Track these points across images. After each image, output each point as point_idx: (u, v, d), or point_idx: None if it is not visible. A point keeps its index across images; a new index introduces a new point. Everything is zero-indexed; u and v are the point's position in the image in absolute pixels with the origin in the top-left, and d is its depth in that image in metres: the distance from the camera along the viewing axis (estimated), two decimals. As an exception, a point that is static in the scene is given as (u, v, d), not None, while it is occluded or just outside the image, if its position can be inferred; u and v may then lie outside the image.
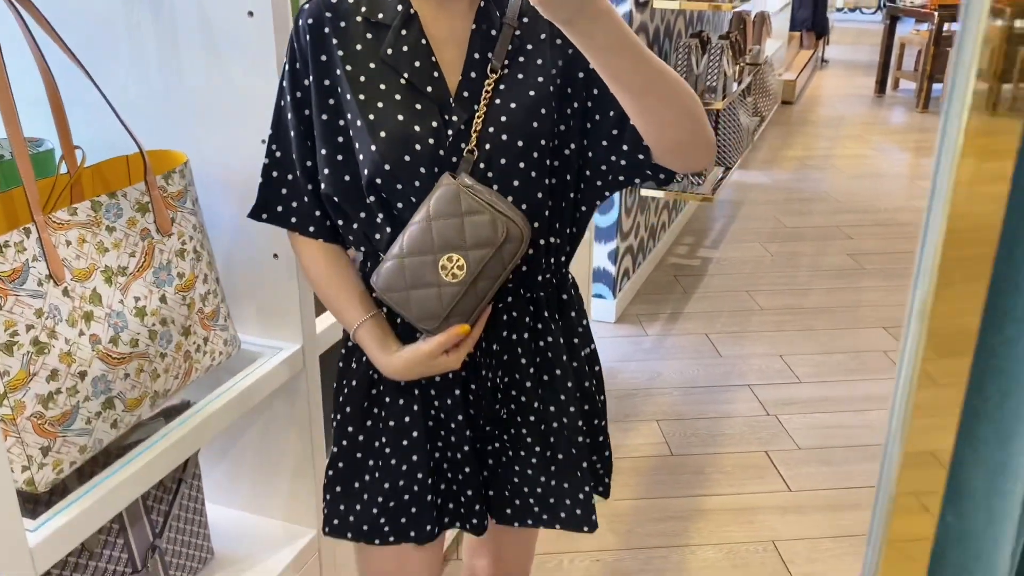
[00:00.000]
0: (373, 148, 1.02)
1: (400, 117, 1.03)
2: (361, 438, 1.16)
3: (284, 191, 1.12)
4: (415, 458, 1.14)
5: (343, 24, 1.04)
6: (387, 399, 1.14)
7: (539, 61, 1.05)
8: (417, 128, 1.02)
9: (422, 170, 1.03)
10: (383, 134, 1.02)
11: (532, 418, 1.16)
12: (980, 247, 0.50)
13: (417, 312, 1.04)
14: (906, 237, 4.22)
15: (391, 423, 1.14)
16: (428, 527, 1.17)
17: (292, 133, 1.08)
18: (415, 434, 1.14)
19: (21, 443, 0.95)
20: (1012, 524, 0.59)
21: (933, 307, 0.49)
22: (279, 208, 1.13)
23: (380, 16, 1.04)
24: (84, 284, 1.01)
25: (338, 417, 1.18)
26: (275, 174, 1.12)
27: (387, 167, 1.02)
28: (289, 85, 1.07)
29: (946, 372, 0.53)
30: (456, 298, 1.02)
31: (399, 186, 1.04)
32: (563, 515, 1.21)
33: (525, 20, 1.06)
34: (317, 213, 1.11)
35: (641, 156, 1.04)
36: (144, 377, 1.09)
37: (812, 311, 3.46)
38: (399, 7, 1.04)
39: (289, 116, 1.08)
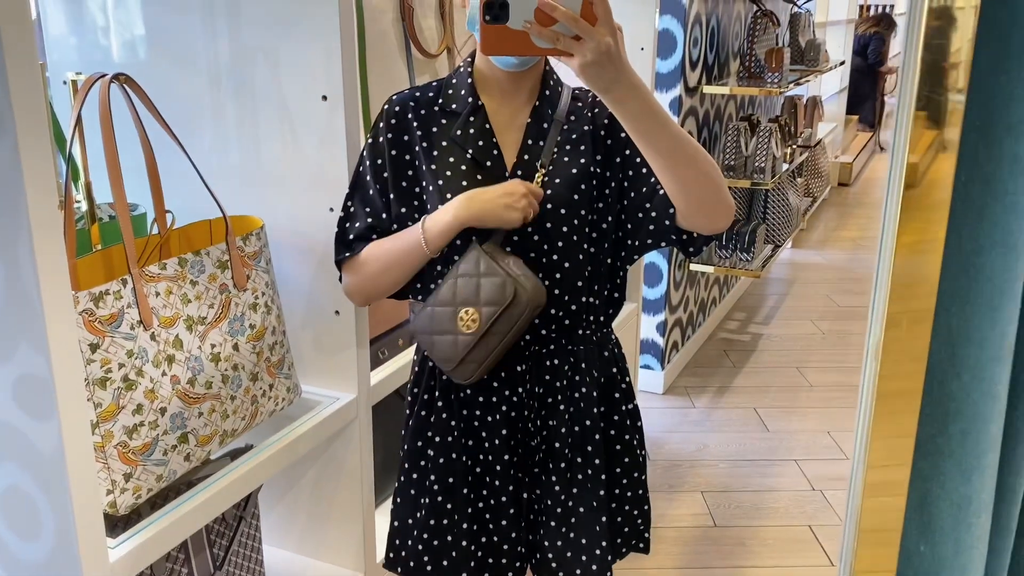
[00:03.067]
0: (440, 207, 1.21)
1: (464, 183, 1.22)
2: (415, 476, 1.29)
3: (352, 236, 1.30)
4: (458, 498, 1.26)
5: (423, 112, 1.26)
6: (436, 438, 1.27)
7: (582, 147, 1.24)
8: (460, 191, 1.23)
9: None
10: (449, 195, 1.21)
11: (562, 465, 1.25)
12: (923, 300, 0.58)
13: (438, 354, 1.23)
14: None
15: (440, 460, 1.28)
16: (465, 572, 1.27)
17: (370, 191, 1.28)
18: (458, 475, 1.26)
19: (108, 468, 1.07)
20: (979, 554, 0.65)
21: (884, 349, 0.58)
22: (351, 242, 1.30)
23: (454, 106, 1.26)
24: (169, 330, 1.15)
25: (400, 454, 1.35)
26: (347, 224, 1.31)
27: None
28: (370, 154, 1.28)
29: (899, 405, 0.61)
30: (469, 346, 1.19)
31: (457, 241, 1.22)
32: (578, 571, 1.29)
33: (572, 118, 1.26)
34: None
35: (667, 222, 1.21)
36: (215, 416, 1.22)
37: (862, 389, 3.46)
38: (469, 99, 1.25)
39: (368, 178, 1.28)
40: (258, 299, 1.30)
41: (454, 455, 1.27)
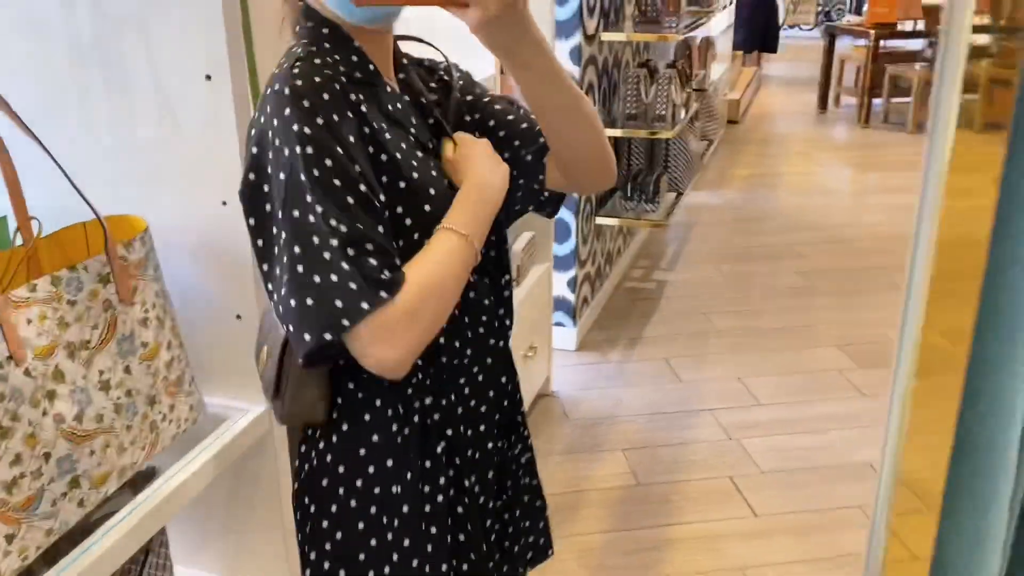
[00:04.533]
0: (427, 208, 0.97)
1: (431, 172, 1.00)
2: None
3: (378, 263, 0.88)
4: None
5: (339, 84, 0.93)
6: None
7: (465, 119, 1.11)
8: (440, 182, 1.01)
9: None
10: (432, 190, 0.98)
11: (519, 452, 1.19)
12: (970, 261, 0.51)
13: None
14: (855, 253, 4.32)
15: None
16: None
17: (359, 188, 0.89)
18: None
19: (-15, 532, 0.92)
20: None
21: (924, 327, 0.50)
22: (383, 281, 0.88)
23: (357, 75, 0.96)
24: (46, 362, 0.99)
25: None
26: (363, 247, 0.88)
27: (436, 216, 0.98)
28: (326, 144, 0.88)
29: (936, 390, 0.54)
30: None
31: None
32: (531, 554, 1.23)
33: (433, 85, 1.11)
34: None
35: (536, 186, 1.11)
36: (110, 452, 1.07)
37: (768, 332, 3.52)
38: (369, 66, 0.98)
39: (346, 174, 0.89)
40: (148, 312, 1.14)
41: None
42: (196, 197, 1.24)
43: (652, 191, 3.43)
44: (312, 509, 1.07)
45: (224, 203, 1.23)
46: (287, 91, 0.88)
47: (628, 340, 3.46)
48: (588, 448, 2.73)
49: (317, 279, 0.86)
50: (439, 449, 1.04)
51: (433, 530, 1.04)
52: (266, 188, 0.91)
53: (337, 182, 0.87)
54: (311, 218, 0.87)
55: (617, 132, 3.34)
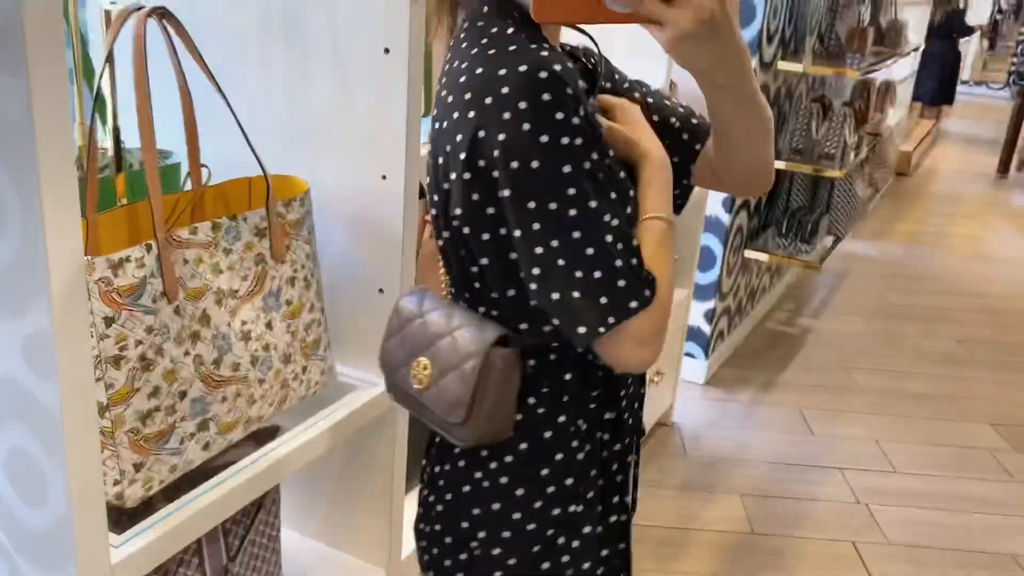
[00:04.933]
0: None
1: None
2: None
3: (635, 260, 0.86)
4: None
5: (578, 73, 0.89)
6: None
7: None
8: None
9: None
10: (624, 176, 0.93)
11: None
12: None
13: None
14: (1018, 327, 3.99)
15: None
16: None
17: (620, 179, 0.89)
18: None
19: (116, 457, 0.95)
20: None
21: None
22: (646, 274, 0.86)
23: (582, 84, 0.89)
24: (196, 304, 1.01)
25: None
26: (632, 242, 0.86)
27: None
28: (585, 137, 0.83)
29: None
30: None
31: None
32: None
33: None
34: None
35: (684, 182, 1.08)
36: (241, 402, 1.09)
37: (914, 397, 3.29)
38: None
39: (605, 168, 0.86)
40: (297, 272, 1.16)
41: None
42: (358, 168, 1.25)
43: (810, 231, 3.28)
44: (479, 534, 0.98)
45: (384, 177, 1.23)
46: (543, 74, 0.81)
47: (761, 383, 3.31)
48: (704, 487, 2.62)
49: (579, 274, 0.83)
50: (615, 467, 0.99)
51: (605, 552, 0.99)
52: (499, 175, 0.84)
53: (601, 175, 0.84)
54: (572, 212, 0.82)
55: (781, 164, 3.21)
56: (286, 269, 1.14)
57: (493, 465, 0.96)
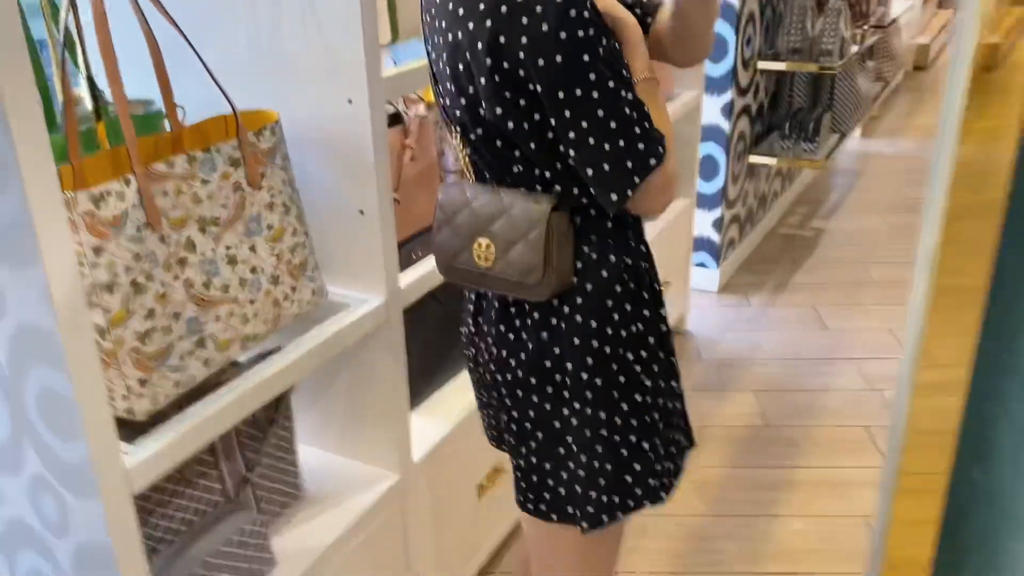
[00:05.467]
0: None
1: None
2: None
3: (648, 124, 1.01)
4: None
5: None
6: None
7: None
8: None
9: None
10: None
11: None
12: (991, 191, 0.49)
13: None
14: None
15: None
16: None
17: (625, 70, 1.00)
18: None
19: (121, 375, 1.04)
20: (1042, 483, 0.57)
21: (945, 241, 0.49)
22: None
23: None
24: (179, 232, 1.10)
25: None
26: (636, 115, 1.00)
27: None
28: (598, 29, 0.96)
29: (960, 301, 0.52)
30: None
31: None
32: None
33: None
34: None
35: None
36: (234, 320, 1.18)
37: (929, 285, 3.31)
38: None
39: (614, 57, 0.99)
40: (275, 198, 1.24)
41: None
42: (325, 95, 1.31)
43: (813, 130, 3.28)
44: (568, 367, 1.10)
45: (350, 101, 1.30)
46: None
47: (775, 285, 3.36)
48: (717, 387, 2.70)
49: (607, 147, 0.98)
50: (657, 286, 1.15)
51: (662, 355, 1.15)
52: (525, 72, 0.96)
53: (611, 57, 0.97)
54: (595, 94, 0.96)
55: (780, 65, 3.20)
56: (264, 195, 1.22)
57: (566, 309, 1.09)
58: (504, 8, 0.94)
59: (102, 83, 1.27)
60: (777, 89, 3.55)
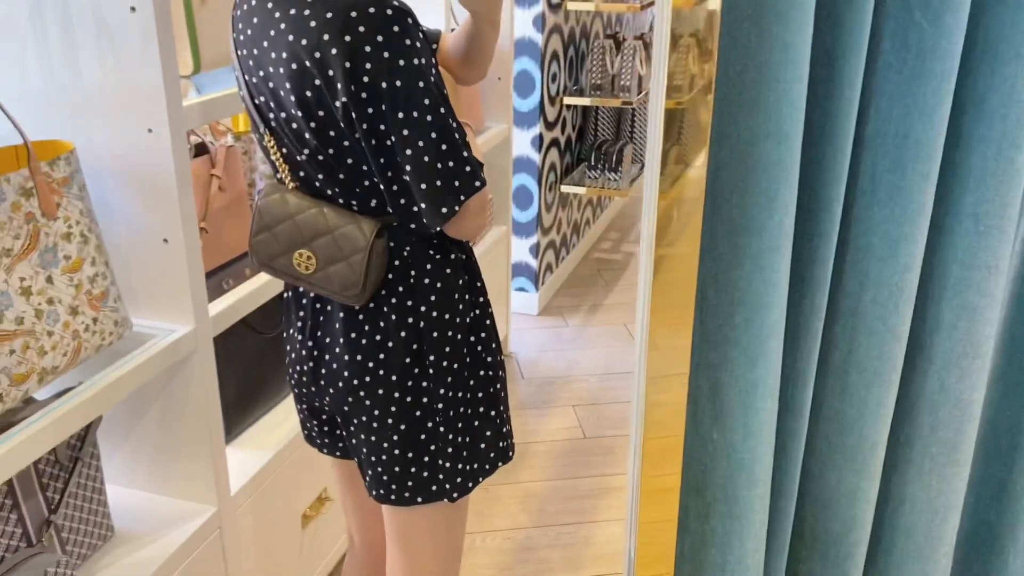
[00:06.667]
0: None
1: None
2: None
3: (467, 151, 1.10)
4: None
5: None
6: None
7: None
8: None
9: None
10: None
11: None
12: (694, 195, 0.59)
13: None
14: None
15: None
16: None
17: (444, 99, 1.08)
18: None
19: (-97, 414, 1.00)
20: (767, 436, 0.68)
21: (657, 266, 0.58)
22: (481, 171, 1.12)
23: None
24: (-34, 264, 1.06)
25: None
26: (460, 141, 1.09)
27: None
28: (427, 57, 1.05)
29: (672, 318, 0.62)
30: None
31: None
32: None
33: None
34: None
35: None
36: (31, 353, 1.14)
37: (727, 301, 3.59)
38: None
39: (438, 86, 1.07)
40: (72, 228, 1.21)
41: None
42: (124, 125, 1.31)
43: (616, 161, 3.50)
44: (430, 358, 1.19)
45: (150, 130, 1.30)
46: (389, 12, 1.02)
47: (590, 306, 3.54)
48: (539, 404, 2.81)
49: (439, 165, 1.06)
50: (479, 284, 1.26)
51: (495, 332, 1.28)
52: (369, 96, 1.03)
53: (437, 86, 1.06)
54: (429, 117, 1.05)
55: (584, 101, 3.41)
56: (59, 225, 1.20)
57: (422, 308, 1.18)
58: (349, 37, 1.01)
59: None
60: (583, 123, 3.77)
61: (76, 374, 1.29)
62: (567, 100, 3.42)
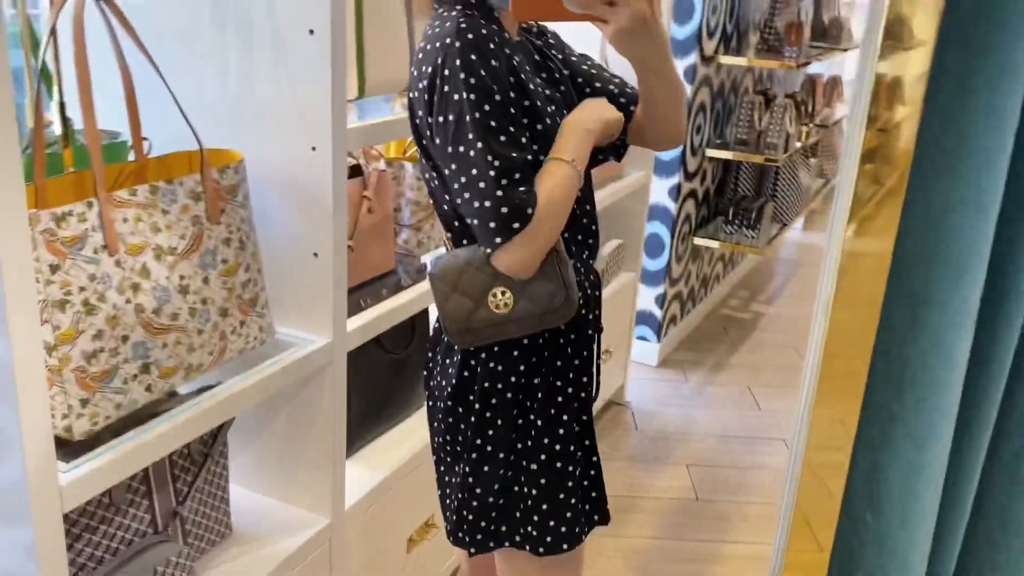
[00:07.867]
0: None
1: (557, 119, 1.20)
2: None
3: (524, 188, 1.09)
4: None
5: (495, 41, 1.12)
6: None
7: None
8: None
9: None
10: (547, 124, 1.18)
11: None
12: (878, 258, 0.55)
13: (449, 311, 1.19)
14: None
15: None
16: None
17: (510, 125, 1.09)
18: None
19: (64, 392, 1.06)
20: (926, 527, 0.63)
21: (831, 331, 0.55)
22: (526, 196, 1.09)
23: (506, 35, 1.18)
24: (136, 258, 1.13)
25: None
26: (512, 176, 1.08)
27: None
28: (484, 88, 1.07)
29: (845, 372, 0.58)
30: (486, 322, 1.20)
31: None
32: None
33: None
34: None
35: (621, 136, 1.32)
36: (180, 349, 1.20)
37: (859, 374, 3.43)
38: (503, 31, 1.18)
39: (501, 111, 1.08)
40: (232, 234, 1.27)
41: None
42: (290, 141, 1.36)
43: (755, 218, 3.42)
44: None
45: (313, 148, 1.35)
46: (458, 44, 1.07)
47: (713, 364, 3.44)
48: (652, 459, 2.74)
49: (476, 204, 1.08)
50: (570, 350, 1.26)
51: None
52: (435, 128, 1.10)
53: (493, 123, 1.07)
54: (472, 153, 1.07)
55: (727, 154, 3.36)
56: (221, 230, 1.25)
57: (546, 353, 1.24)
58: (415, 71, 1.12)
59: (71, 112, 1.30)
60: (723, 176, 3.70)
61: (216, 373, 1.34)
62: (709, 152, 3.38)
